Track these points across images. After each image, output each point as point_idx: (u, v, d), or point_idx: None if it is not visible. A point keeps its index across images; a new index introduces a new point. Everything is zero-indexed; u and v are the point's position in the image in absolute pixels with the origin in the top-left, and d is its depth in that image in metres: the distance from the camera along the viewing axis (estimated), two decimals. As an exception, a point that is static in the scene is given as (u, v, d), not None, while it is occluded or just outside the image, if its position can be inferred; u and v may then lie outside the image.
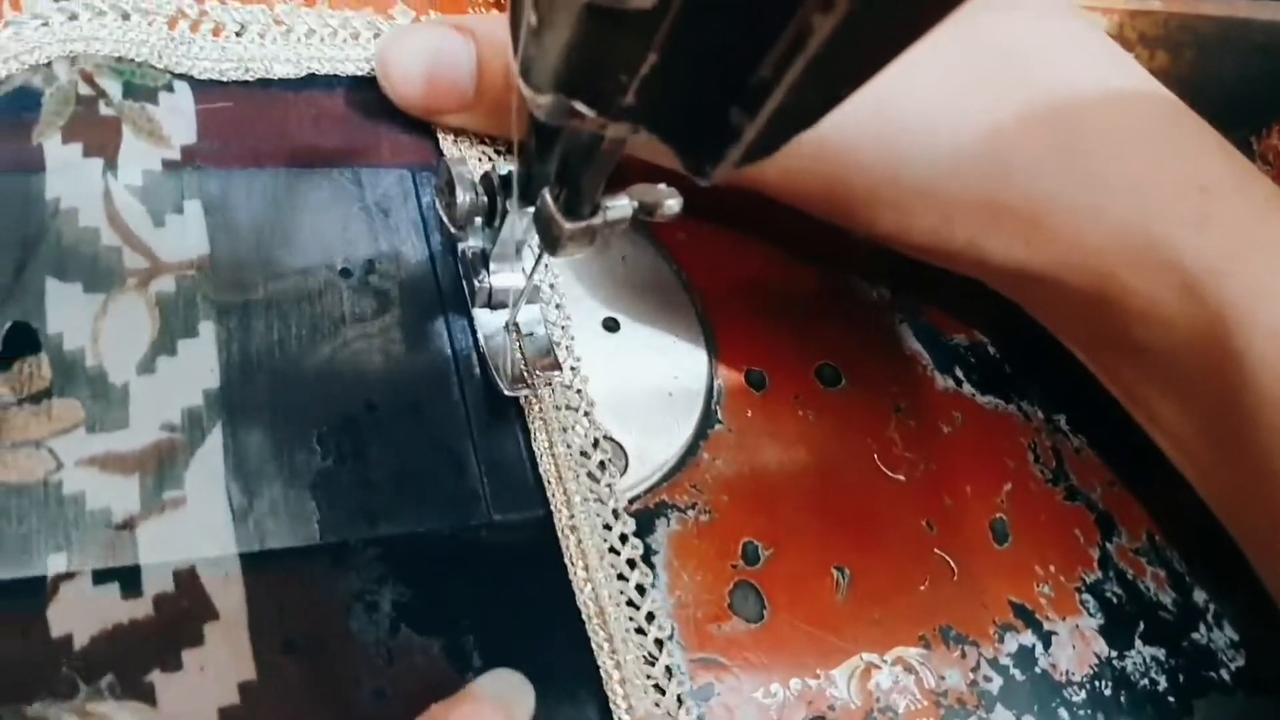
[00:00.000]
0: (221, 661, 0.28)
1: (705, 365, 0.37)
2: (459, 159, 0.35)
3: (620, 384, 0.36)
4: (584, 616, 0.31)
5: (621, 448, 0.34)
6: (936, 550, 0.36)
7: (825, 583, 0.34)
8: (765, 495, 0.35)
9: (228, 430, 0.30)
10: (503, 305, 0.34)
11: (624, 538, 0.32)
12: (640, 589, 0.32)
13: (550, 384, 0.33)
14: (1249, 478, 0.35)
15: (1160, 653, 0.38)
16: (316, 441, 0.31)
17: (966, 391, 0.41)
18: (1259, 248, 0.34)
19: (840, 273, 0.42)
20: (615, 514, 0.32)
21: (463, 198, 0.32)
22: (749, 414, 0.37)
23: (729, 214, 0.41)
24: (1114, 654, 0.37)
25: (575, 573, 0.31)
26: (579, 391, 0.34)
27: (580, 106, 0.21)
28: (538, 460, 0.33)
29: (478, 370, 0.34)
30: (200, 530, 0.29)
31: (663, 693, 0.30)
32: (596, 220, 0.26)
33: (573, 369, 0.34)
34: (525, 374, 0.33)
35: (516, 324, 0.34)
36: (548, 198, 0.26)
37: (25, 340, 0.29)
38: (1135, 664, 0.37)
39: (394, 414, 0.32)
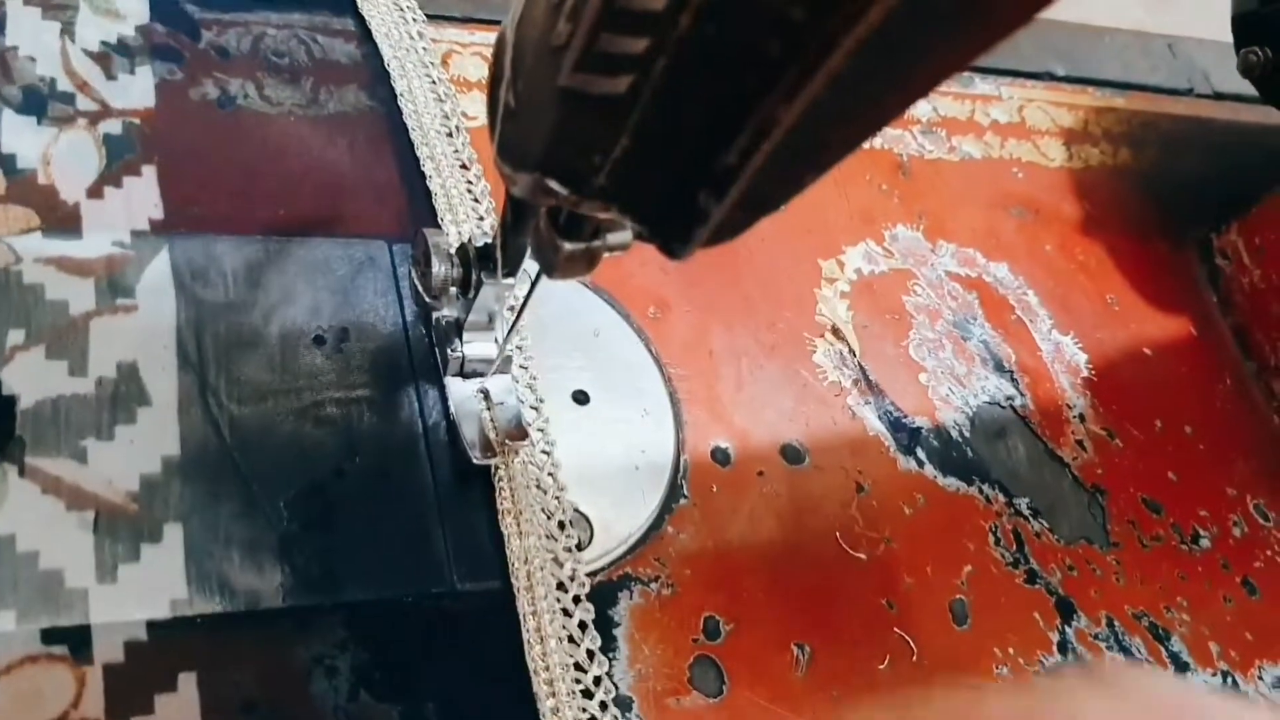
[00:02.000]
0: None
1: (672, 440, 0.38)
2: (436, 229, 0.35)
3: (587, 456, 0.36)
4: (537, 695, 0.31)
5: (586, 519, 0.35)
6: (896, 629, 0.36)
7: (785, 659, 0.34)
8: (728, 570, 0.35)
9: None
10: (475, 374, 0.34)
11: (583, 625, 0.32)
12: (597, 680, 0.32)
13: (518, 453, 0.34)
14: None
15: (1116, 738, 0.38)
16: (284, 506, 0.31)
17: (929, 473, 0.41)
18: None
19: (807, 353, 0.43)
20: (576, 600, 0.33)
21: (439, 268, 0.32)
22: (714, 489, 0.37)
23: (699, 292, 0.42)
24: (1071, 738, 0.37)
25: (532, 651, 0.31)
26: (550, 474, 0.34)
27: (555, 185, 0.21)
28: (505, 540, 0.33)
29: (447, 439, 0.34)
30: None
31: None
32: (596, 243, 0.25)
33: (544, 451, 0.35)
34: (494, 443, 0.34)
35: (487, 393, 0.34)
36: (545, 219, 0.25)
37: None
38: (1091, 749, 0.37)
39: (362, 481, 0.33)
